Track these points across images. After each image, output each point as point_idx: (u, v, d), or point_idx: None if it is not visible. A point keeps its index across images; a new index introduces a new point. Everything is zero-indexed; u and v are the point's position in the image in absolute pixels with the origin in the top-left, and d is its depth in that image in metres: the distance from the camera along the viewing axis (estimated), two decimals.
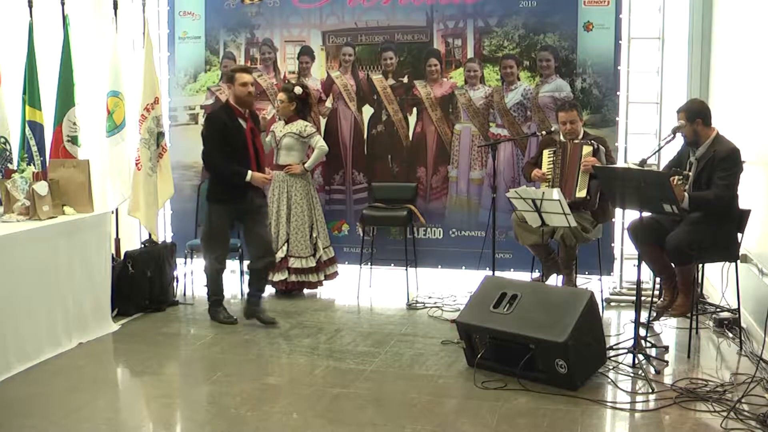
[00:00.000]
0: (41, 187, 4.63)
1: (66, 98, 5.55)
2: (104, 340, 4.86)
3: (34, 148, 5.39)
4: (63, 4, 5.64)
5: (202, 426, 3.60)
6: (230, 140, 4.97)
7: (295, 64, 6.28)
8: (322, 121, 6.24)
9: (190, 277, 6.16)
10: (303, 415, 3.66)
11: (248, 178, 5.02)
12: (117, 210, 5.95)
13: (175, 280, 5.87)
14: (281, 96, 5.81)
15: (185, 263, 6.08)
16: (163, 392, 4.09)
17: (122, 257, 5.62)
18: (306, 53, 6.26)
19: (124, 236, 6.23)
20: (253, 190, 5.12)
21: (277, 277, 5.80)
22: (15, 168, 4.92)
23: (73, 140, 5.59)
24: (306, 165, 5.85)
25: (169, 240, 6.30)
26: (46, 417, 3.60)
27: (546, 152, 5.29)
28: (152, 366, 4.44)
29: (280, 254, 5.78)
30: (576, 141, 5.18)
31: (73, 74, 5.59)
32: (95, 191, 5.13)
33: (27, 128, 5.38)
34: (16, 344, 4.19)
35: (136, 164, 5.85)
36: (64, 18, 5.60)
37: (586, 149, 5.08)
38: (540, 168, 5.31)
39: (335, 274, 6.09)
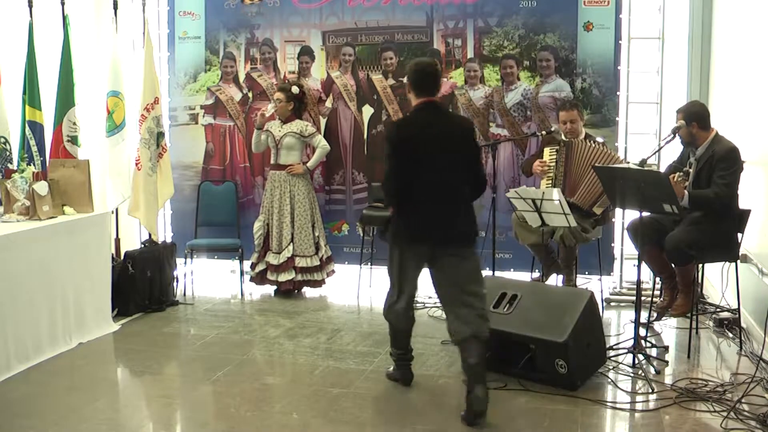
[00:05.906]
0: (41, 187, 4.63)
1: (66, 98, 5.56)
2: (104, 340, 4.86)
3: (34, 148, 5.39)
4: (63, 4, 5.64)
5: (202, 426, 3.60)
6: None
7: (295, 64, 6.28)
8: (322, 121, 6.23)
9: (190, 277, 6.16)
10: (303, 415, 3.66)
11: None
12: (117, 210, 5.95)
13: (175, 280, 5.87)
14: (279, 96, 5.82)
15: (185, 263, 6.09)
16: (163, 392, 4.09)
17: (122, 257, 5.62)
18: (306, 53, 6.26)
19: (124, 236, 6.23)
20: None
21: (284, 277, 5.82)
22: (15, 168, 4.92)
23: (73, 140, 5.59)
24: (308, 165, 5.90)
25: (169, 240, 6.31)
26: (46, 417, 3.60)
27: (547, 150, 5.27)
28: (152, 366, 4.44)
29: (286, 254, 5.81)
30: (591, 141, 5.15)
31: (73, 74, 5.60)
32: (95, 191, 5.13)
33: (27, 128, 5.39)
34: (16, 344, 4.19)
35: (136, 164, 5.86)
36: (64, 18, 5.60)
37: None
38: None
39: (333, 272, 6.13)
